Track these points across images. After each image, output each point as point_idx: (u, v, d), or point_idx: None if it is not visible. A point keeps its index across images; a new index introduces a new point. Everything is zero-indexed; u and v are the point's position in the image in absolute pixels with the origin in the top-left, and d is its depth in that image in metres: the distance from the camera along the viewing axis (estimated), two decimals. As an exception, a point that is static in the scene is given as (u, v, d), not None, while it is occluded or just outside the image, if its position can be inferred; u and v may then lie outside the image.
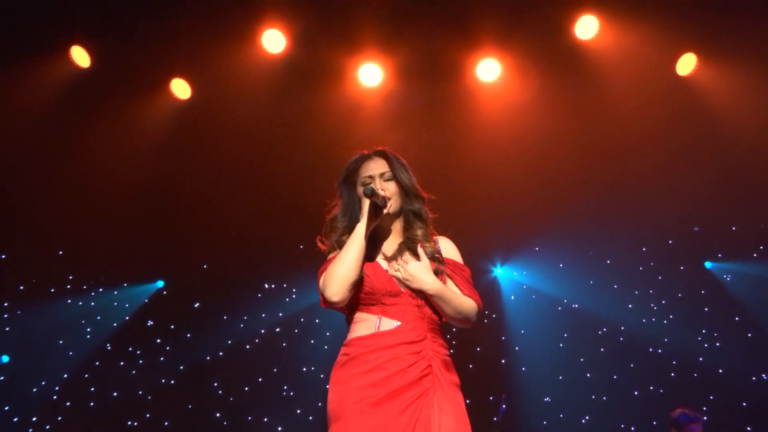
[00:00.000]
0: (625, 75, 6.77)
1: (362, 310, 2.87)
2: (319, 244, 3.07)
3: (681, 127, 7.22)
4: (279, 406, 8.17)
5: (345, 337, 2.88)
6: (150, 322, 8.45)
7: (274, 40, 6.56)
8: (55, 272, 7.99)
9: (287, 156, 7.57)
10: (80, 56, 6.59)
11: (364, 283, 2.83)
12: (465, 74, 6.90)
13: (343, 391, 2.68)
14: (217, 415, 8.15)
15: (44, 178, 7.32)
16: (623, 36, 6.42)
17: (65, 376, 7.94)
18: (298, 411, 8.12)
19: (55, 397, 7.85)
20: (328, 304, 2.78)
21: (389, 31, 6.48)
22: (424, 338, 2.82)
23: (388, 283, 2.85)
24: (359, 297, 2.85)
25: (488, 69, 6.81)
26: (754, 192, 7.51)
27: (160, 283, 8.66)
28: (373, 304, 2.85)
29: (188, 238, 8.18)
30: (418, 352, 2.76)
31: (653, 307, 8.36)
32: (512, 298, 8.60)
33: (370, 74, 6.88)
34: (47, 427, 7.69)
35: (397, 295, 2.84)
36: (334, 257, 2.86)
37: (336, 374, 2.80)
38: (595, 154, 7.46)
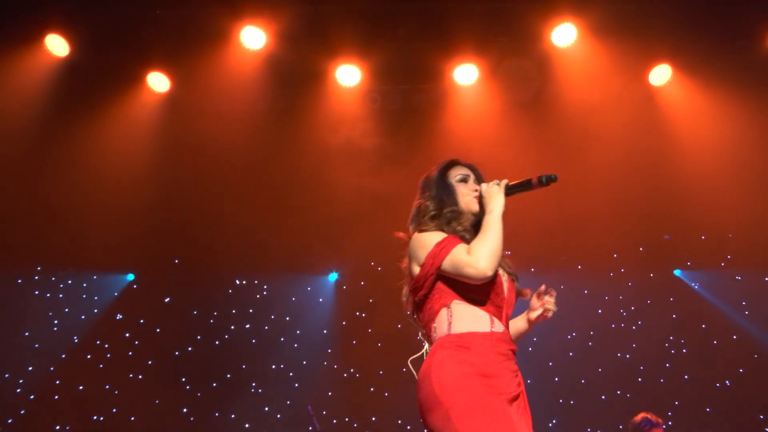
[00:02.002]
0: (600, 82, 6.85)
1: (470, 303, 2.68)
2: (403, 234, 2.93)
3: (654, 136, 7.32)
4: (247, 403, 8.13)
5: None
6: (119, 316, 8.36)
7: (252, 37, 6.52)
8: (23, 263, 7.87)
9: (263, 152, 7.52)
10: (57, 45, 6.49)
11: (495, 279, 2.68)
12: (442, 78, 6.93)
13: (474, 382, 2.50)
14: (184, 411, 8.08)
15: (14, 167, 7.20)
16: (600, 44, 6.49)
17: (30, 368, 7.83)
18: (266, 408, 8.09)
19: (18, 390, 7.73)
20: (475, 277, 2.56)
21: (368, 33, 6.48)
22: (517, 350, 2.77)
23: (501, 285, 2.74)
24: (477, 290, 2.67)
25: (466, 73, 6.84)
26: (722, 202, 7.62)
27: (131, 277, 8.58)
28: (485, 302, 2.69)
29: (160, 232, 8.11)
30: (516, 362, 2.73)
31: (622, 313, 8.46)
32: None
33: (349, 75, 6.87)
34: (9, 420, 7.57)
35: (504, 299, 2.74)
36: (451, 239, 2.70)
37: (458, 356, 2.55)
38: (569, 160, 7.50)
